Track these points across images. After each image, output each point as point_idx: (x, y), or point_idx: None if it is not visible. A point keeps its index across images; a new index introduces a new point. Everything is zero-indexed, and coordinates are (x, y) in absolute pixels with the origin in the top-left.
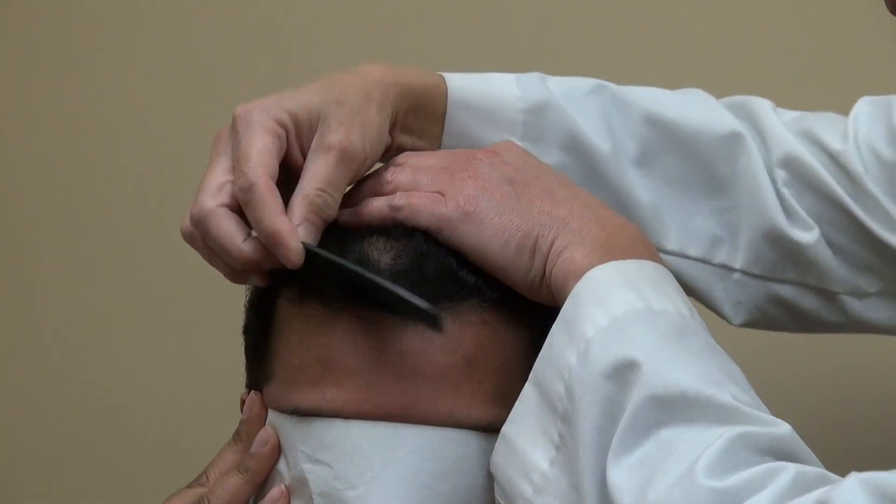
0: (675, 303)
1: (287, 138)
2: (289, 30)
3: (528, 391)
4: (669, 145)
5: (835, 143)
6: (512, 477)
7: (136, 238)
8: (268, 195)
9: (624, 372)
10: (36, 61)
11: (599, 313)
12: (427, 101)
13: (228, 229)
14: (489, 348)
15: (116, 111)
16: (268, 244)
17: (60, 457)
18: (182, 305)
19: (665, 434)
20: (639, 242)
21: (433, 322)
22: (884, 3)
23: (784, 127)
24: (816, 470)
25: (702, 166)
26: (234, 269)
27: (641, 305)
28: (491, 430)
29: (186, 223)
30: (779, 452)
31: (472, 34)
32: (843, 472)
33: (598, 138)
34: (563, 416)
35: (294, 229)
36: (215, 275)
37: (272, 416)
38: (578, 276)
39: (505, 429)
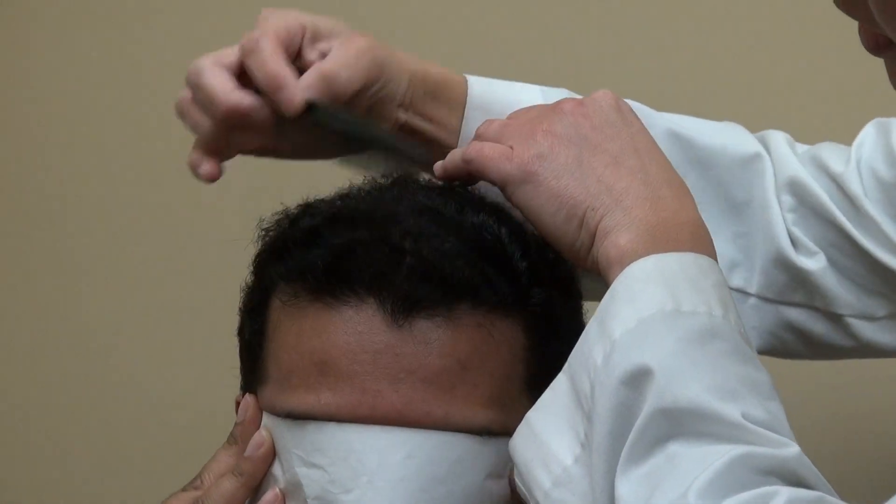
0: (708, 301)
1: (302, 39)
2: None
3: (560, 381)
4: (691, 164)
5: (837, 166)
6: (530, 463)
7: (132, 241)
8: (273, 47)
9: (640, 380)
10: (35, 61)
11: (629, 313)
12: (446, 90)
13: (221, 78)
14: (484, 351)
15: (116, 111)
16: (268, 89)
17: (56, 460)
18: (176, 308)
19: (673, 447)
20: (687, 229)
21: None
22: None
23: (791, 153)
24: (813, 494)
25: (722, 188)
26: (213, 135)
27: (671, 306)
28: (486, 433)
29: (182, 92)
30: (782, 474)
31: (474, 40)
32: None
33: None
34: (588, 416)
35: (296, 78)
36: (210, 276)
37: (267, 418)
38: (621, 264)
39: (530, 414)
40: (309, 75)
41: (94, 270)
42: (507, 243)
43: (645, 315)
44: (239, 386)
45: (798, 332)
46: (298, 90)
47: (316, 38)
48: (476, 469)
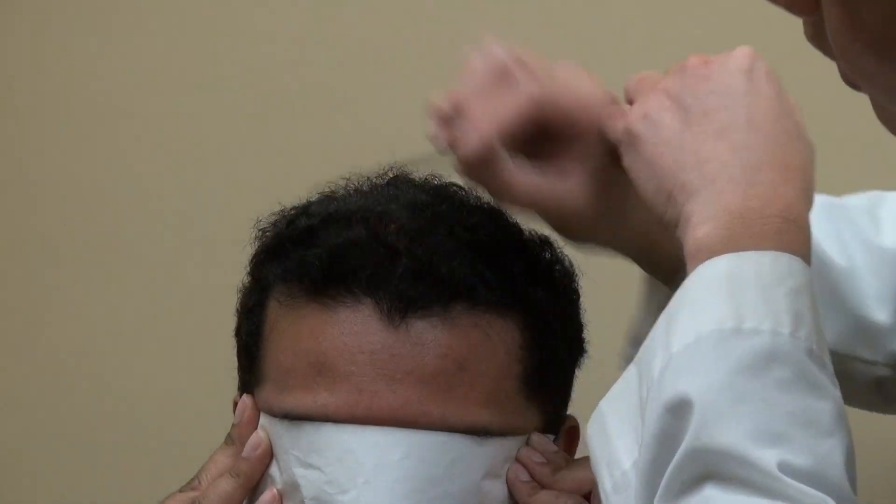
0: (777, 315)
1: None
2: (286, 34)
3: (631, 373)
4: None
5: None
6: (599, 462)
7: (127, 242)
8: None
9: (682, 410)
10: (35, 61)
11: (690, 325)
12: None
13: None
14: (480, 351)
15: (115, 110)
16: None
17: (52, 460)
18: (173, 309)
19: (708, 490)
20: (775, 221)
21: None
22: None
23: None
24: None
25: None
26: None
27: (731, 324)
28: (483, 433)
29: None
30: None
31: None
32: None
33: (834, 254)
34: (643, 424)
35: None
36: (207, 278)
37: (264, 419)
38: (696, 259)
39: (602, 404)
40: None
41: (89, 271)
42: (502, 243)
43: (703, 331)
44: (236, 387)
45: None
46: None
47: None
48: (473, 469)
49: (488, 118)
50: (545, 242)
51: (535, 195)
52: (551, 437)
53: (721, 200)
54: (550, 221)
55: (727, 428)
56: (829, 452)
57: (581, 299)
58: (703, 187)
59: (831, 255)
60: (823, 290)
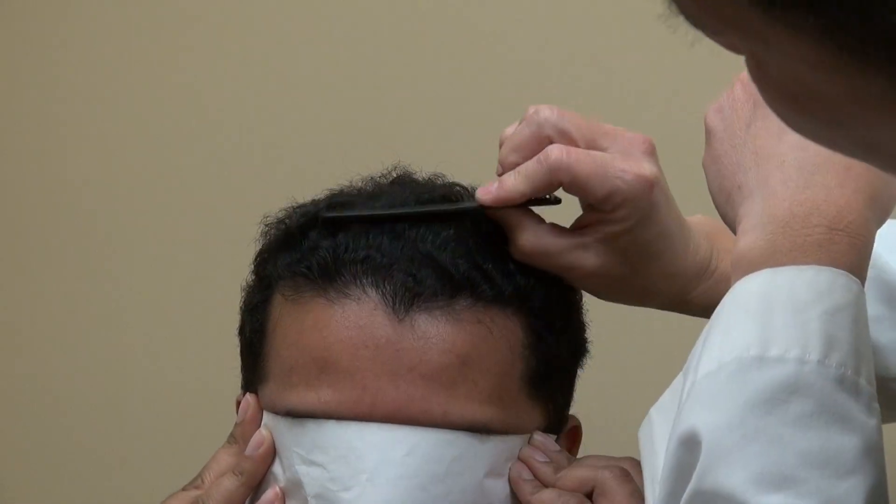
0: (806, 340)
1: None
2: (289, 34)
3: (678, 381)
4: None
5: None
6: (645, 473)
7: (132, 239)
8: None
9: (693, 446)
10: (36, 61)
11: (716, 350)
12: None
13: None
14: (483, 348)
15: (118, 109)
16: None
17: (56, 458)
18: (177, 307)
19: None
20: (820, 231)
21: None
22: None
23: None
24: None
25: None
26: None
27: (755, 351)
28: (486, 430)
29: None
30: None
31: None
32: None
33: None
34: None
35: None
36: (210, 276)
37: (267, 417)
38: (736, 272)
39: (652, 410)
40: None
41: (93, 270)
42: (506, 241)
43: (726, 359)
44: (239, 385)
45: None
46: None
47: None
48: (475, 467)
49: (512, 177)
50: None
51: (545, 255)
52: (553, 436)
53: (769, 205)
54: (571, 281)
55: (732, 470)
56: (846, 494)
57: (584, 299)
58: (756, 189)
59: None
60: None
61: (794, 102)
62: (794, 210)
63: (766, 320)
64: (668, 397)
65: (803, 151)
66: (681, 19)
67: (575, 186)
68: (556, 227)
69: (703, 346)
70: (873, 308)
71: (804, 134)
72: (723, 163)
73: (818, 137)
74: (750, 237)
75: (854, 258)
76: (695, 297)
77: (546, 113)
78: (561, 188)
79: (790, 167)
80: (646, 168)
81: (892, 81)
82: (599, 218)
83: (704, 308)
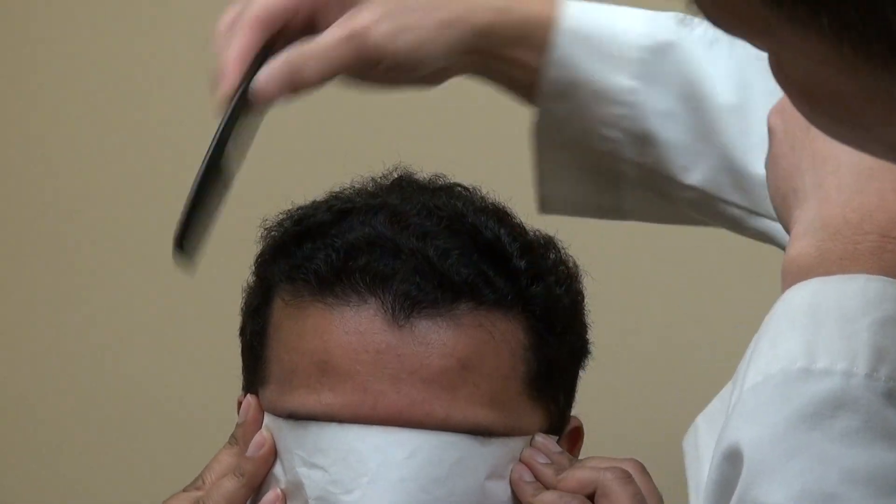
0: (854, 352)
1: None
2: None
3: (727, 391)
4: None
5: None
6: (689, 482)
7: (134, 240)
8: (243, 30)
9: (736, 461)
10: (35, 61)
11: (763, 361)
12: (531, 31)
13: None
14: (485, 351)
15: (118, 109)
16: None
17: (57, 459)
18: (178, 308)
19: None
20: (873, 239)
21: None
22: None
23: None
24: None
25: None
26: None
27: (801, 363)
28: (487, 433)
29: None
30: None
31: None
32: None
33: (721, 90)
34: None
35: (233, 74)
36: (211, 277)
37: (268, 419)
38: (786, 280)
39: (699, 418)
40: (268, 67)
41: (94, 271)
42: (507, 243)
43: (772, 371)
44: (240, 387)
45: None
46: (224, 87)
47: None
48: (477, 469)
49: (226, 64)
50: (550, 243)
51: (321, 56)
52: (555, 437)
53: (822, 211)
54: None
55: (773, 488)
56: None
57: (585, 300)
58: (812, 192)
59: (716, 91)
60: (698, 125)
61: (813, 101)
62: (846, 216)
63: (813, 331)
64: (716, 405)
65: (860, 155)
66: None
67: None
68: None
69: (751, 356)
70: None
71: (830, 135)
72: (781, 165)
73: (843, 138)
74: (801, 243)
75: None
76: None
77: None
78: None
79: (845, 171)
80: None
81: None
82: None
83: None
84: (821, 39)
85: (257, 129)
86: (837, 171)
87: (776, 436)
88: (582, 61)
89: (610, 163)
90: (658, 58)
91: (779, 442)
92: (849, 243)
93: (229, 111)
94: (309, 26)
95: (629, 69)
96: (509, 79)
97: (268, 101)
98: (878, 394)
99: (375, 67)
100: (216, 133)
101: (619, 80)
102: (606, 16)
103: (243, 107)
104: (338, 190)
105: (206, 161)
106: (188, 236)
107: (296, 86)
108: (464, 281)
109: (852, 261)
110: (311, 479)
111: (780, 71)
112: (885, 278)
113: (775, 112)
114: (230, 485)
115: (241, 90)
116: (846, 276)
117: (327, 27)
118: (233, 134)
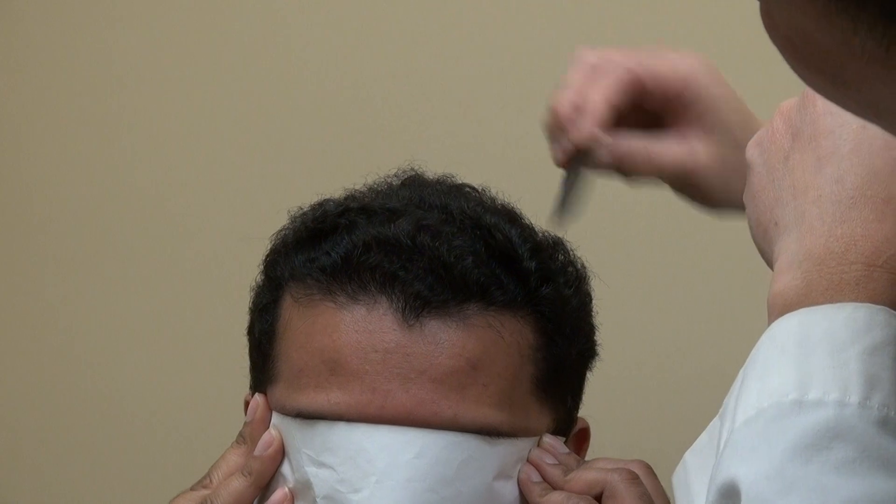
0: (846, 381)
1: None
2: (290, 32)
3: (714, 427)
4: None
5: None
6: None
7: (140, 239)
8: (611, 77)
9: (733, 497)
10: (35, 61)
11: (754, 396)
12: None
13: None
14: (493, 352)
15: (118, 114)
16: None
17: (64, 458)
18: (186, 307)
19: None
20: (857, 269)
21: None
22: None
23: None
24: None
25: None
26: None
27: (793, 395)
28: (495, 433)
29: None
30: None
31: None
32: None
33: None
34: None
35: (595, 115)
36: (219, 275)
37: (276, 418)
38: (772, 313)
39: (687, 455)
40: (628, 140)
41: (102, 269)
42: (517, 244)
43: (764, 405)
44: (248, 386)
45: None
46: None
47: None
48: (485, 470)
49: (592, 104)
50: (558, 244)
51: (655, 159)
52: (562, 438)
53: (805, 242)
54: (680, 188)
55: None
56: None
57: (593, 301)
58: (793, 225)
59: None
60: None
61: (797, 53)
62: (830, 246)
63: (803, 362)
64: (704, 440)
65: (840, 185)
66: None
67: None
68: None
69: (739, 391)
70: None
71: (814, 89)
72: (760, 198)
73: (825, 93)
74: (786, 277)
75: (895, 295)
76: None
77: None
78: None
79: (827, 201)
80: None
81: (872, 32)
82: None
83: None
84: None
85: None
86: (819, 201)
87: (772, 470)
88: None
89: None
90: None
91: (775, 477)
92: (834, 274)
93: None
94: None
95: None
96: None
97: (606, 166)
98: (872, 422)
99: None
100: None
101: None
102: None
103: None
104: (348, 189)
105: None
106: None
107: (624, 171)
108: (474, 281)
109: (839, 291)
110: (320, 478)
111: (769, 19)
112: (873, 305)
113: (753, 144)
114: (238, 484)
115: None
116: (834, 305)
117: (669, 126)
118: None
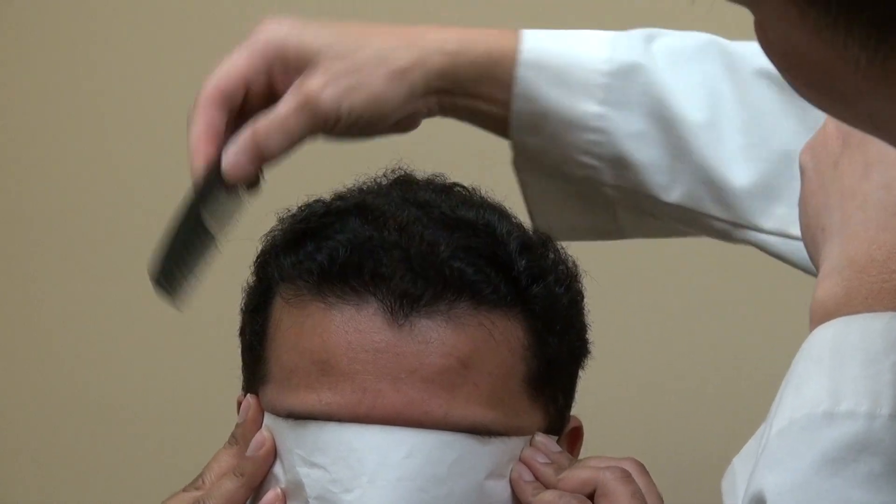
0: (878, 392)
1: (272, 69)
2: None
3: (761, 431)
4: (788, 104)
5: None
6: None
7: (134, 240)
8: (201, 110)
9: None
10: (35, 61)
11: (788, 406)
12: (493, 68)
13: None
14: (484, 350)
15: (115, 112)
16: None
17: (57, 460)
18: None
19: None
20: (895, 279)
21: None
22: None
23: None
24: None
25: None
26: None
27: (825, 406)
28: (487, 432)
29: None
30: None
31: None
32: None
33: (690, 106)
34: None
35: (198, 153)
36: (211, 277)
37: (268, 418)
38: (812, 321)
39: (736, 460)
40: (242, 136)
41: (94, 270)
42: (507, 242)
43: (797, 415)
44: (240, 386)
45: None
46: (195, 165)
47: (287, 68)
48: (476, 469)
49: (193, 139)
50: (549, 242)
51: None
52: (555, 437)
53: (848, 249)
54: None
55: None
56: None
57: (584, 300)
58: (838, 230)
59: (686, 108)
60: (671, 144)
61: (794, 69)
62: (872, 254)
63: (837, 373)
64: (752, 446)
65: (887, 191)
66: None
67: None
68: None
69: (780, 399)
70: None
71: (813, 104)
72: (811, 203)
73: (823, 107)
74: (827, 284)
75: None
76: None
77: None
78: None
79: (872, 207)
80: None
81: (864, 47)
82: None
83: None
84: (792, 2)
85: (243, 199)
86: (864, 207)
87: (798, 482)
88: (546, 92)
89: (593, 187)
90: (622, 81)
91: (801, 489)
92: (875, 282)
93: (202, 188)
94: (271, 93)
95: (595, 95)
96: (481, 115)
97: (239, 177)
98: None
99: (336, 127)
100: (188, 210)
101: (586, 107)
102: (566, 43)
103: (220, 183)
104: (338, 189)
105: (181, 221)
106: (166, 276)
107: (263, 159)
108: (464, 280)
109: (878, 300)
110: (311, 479)
111: (763, 34)
112: None
113: (806, 150)
114: (230, 484)
115: (212, 167)
116: (870, 315)
117: (284, 92)
118: (210, 206)
